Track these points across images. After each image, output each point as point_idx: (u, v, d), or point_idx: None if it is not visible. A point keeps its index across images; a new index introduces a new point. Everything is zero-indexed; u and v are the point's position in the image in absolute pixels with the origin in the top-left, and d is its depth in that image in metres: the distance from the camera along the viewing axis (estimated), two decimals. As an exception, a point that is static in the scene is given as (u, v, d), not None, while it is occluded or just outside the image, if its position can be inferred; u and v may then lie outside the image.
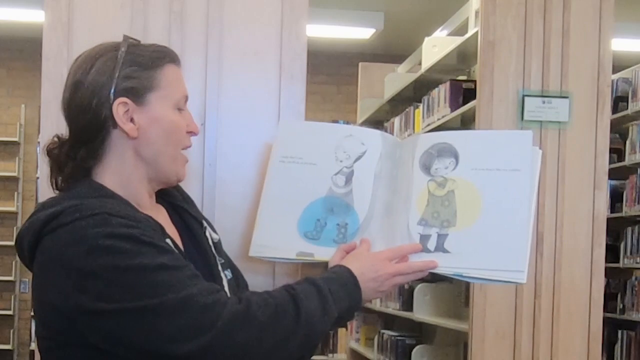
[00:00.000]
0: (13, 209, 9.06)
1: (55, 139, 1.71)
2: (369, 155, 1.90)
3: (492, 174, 1.80)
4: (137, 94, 1.66)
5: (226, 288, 1.74)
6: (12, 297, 9.05)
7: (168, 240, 1.63)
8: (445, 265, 1.79)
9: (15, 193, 9.10)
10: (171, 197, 1.83)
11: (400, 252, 1.79)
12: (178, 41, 2.11)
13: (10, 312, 9.02)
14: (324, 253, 1.86)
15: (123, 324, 1.52)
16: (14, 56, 9.11)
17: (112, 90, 1.65)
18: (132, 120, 1.66)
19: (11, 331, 9.00)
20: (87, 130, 1.66)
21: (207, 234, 1.82)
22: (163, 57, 1.71)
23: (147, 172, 1.70)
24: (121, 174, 1.68)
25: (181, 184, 1.92)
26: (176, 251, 1.62)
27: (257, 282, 1.97)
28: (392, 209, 1.86)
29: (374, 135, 1.92)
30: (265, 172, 1.98)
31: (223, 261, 1.81)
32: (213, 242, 1.82)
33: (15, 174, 9.08)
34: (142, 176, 1.70)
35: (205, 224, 1.84)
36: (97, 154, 1.68)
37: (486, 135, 1.98)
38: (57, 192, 1.71)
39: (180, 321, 1.51)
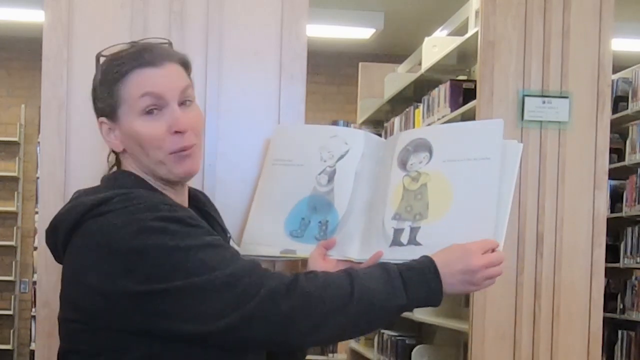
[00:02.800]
0: (13, 209, 9.05)
1: None
2: (351, 154, 1.92)
3: (463, 164, 1.79)
4: (109, 113, 1.70)
5: None
6: (12, 297, 9.05)
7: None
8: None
9: (15, 193, 9.10)
10: (201, 204, 1.85)
11: (489, 244, 1.69)
12: (178, 41, 2.10)
13: (10, 312, 9.02)
14: (306, 250, 1.89)
15: (171, 303, 1.53)
16: (14, 56, 9.11)
17: (97, 111, 1.73)
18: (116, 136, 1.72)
19: (11, 331, 8.99)
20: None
21: (231, 243, 1.85)
22: (124, 66, 1.67)
23: (152, 175, 1.71)
24: (142, 176, 1.72)
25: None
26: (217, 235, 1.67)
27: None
28: (371, 207, 1.87)
29: (357, 135, 1.96)
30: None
31: None
32: None
33: (15, 174, 9.07)
34: (156, 177, 1.72)
35: (229, 234, 1.88)
36: (119, 161, 1.75)
37: (459, 127, 1.96)
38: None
39: (226, 296, 1.53)
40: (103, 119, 1.71)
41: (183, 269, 1.53)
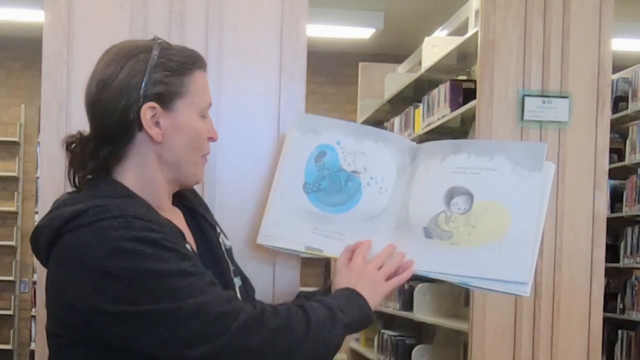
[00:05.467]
0: (13, 209, 9.06)
1: (77, 135, 1.70)
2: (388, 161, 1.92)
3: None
4: (165, 100, 1.66)
5: (238, 295, 1.76)
6: (12, 297, 9.05)
7: (187, 246, 1.64)
8: (448, 272, 1.82)
9: (15, 193, 9.11)
10: (188, 201, 1.84)
11: (381, 258, 1.83)
12: (178, 41, 2.09)
13: (10, 312, 9.02)
14: (333, 250, 1.88)
15: (140, 326, 1.53)
16: (14, 56, 9.11)
17: (142, 94, 1.64)
18: (158, 124, 1.66)
19: (11, 331, 9.00)
20: (113, 130, 1.66)
21: (221, 240, 1.83)
22: (193, 63, 1.70)
23: (168, 174, 1.71)
24: (142, 176, 1.69)
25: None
26: (196, 258, 1.63)
27: (258, 272, 1.98)
28: (405, 212, 1.88)
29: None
30: (270, 167, 2.01)
31: (234, 268, 1.83)
32: (225, 249, 1.83)
33: (15, 174, 9.08)
34: (163, 178, 1.71)
35: (219, 229, 1.86)
36: (120, 155, 1.67)
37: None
38: (73, 188, 1.70)
39: (196, 326, 1.53)
40: (153, 103, 1.65)
41: (153, 294, 1.52)
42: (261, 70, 2.15)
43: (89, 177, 1.68)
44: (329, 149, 1.94)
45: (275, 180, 1.96)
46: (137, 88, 1.64)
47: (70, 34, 2.11)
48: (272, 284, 2.10)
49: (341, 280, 1.80)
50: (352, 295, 1.74)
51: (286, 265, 2.11)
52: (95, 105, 1.67)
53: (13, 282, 9.05)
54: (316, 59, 7.02)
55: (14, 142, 9.12)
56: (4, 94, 9.25)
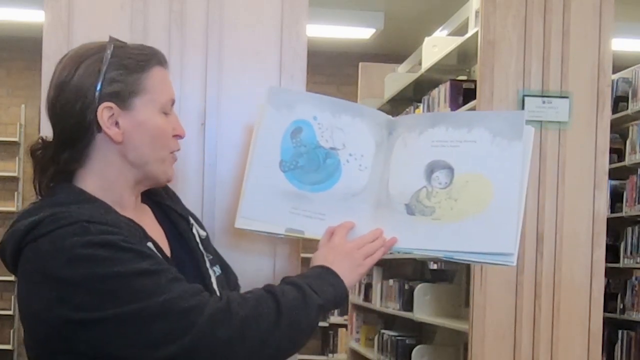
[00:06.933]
0: (13, 209, 9.05)
1: (40, 141, 1.69)
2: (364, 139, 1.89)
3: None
4: (122, 98, 1.64)
5: (214, 285, 1.74)
6: (12, 297, 9.05)
7: (149, 244, 1.62)
8: (433, 248, 1.81)
9: (15, 193, 9.11)
10: (157, 195, 1.81)
11: (364, 240, 1.80)
12: (178, 41, 2.11)
13: (10, 312, 9.02)
14: (315, 231, 1.85)
15: (106, 332, 1.52)
16: (14, 56, 9.11)
17: (97, 94, 1.62)
18: (117, 124, 1.64)
19: (11, 331, 9.00)
20: (71, 133, 1.64)
21: (194, 230, 1.81)
22: (150, 59, 1.68)
23: (133, 174, 1.68)
24: (105, 177, 1.67)
25: (181, 185, 1.92)
26: (158, 255, 1.61)
27: (259, 264, 1.97)
28: (384, 190, 1.85)
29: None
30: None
31: (211, 257, 1.80)
32: (200, 239, 1.81)
33: (15, 174, 9.08)
34: (128, 179, 1.68)
35: (192, 220, 1.83)
36: (81, 158, 1.66)
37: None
38: (38, 196, 1.68)
39: (161, 325, 1.51)
40: (110, 103, 1.63)
41: (115, 298, 1.51)
42: (261, 70, 2.16)
43: (52, 184, 1.67)
44: (305, 125, 1.88)
45: (249, 158, 1.90)
46: (93, 89, 1.62)
47: (70, 34, 2.11)
48: (273, 277, 2.10)
49: (319, 257, 1.77)
50: (326, 274, 1.71)
51: (287, 248, 2.10)
52: (54, 109, 1.67)
53: (13, 282, 9.03)
54: (316, 59, 7.03)
55: (14, 142, 9.12)
56: (4, 94, 9.25)
